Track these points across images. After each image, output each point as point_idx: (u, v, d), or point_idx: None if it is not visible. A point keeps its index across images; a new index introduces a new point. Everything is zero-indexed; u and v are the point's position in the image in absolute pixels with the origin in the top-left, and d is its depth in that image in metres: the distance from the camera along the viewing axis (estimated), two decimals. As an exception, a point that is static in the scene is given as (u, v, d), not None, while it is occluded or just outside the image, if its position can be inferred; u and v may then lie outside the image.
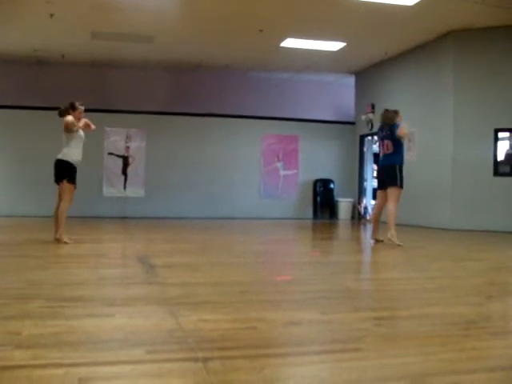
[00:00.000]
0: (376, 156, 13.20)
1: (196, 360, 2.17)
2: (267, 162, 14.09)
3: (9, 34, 10.87)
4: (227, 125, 13.79)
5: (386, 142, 7.46)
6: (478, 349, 2.47)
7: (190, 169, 13.47)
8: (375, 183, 9.65)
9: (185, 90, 13.97)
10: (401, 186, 7.34)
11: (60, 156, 6.60)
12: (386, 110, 7.65)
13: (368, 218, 13.15)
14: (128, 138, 13.26)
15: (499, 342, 2.62)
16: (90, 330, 2.63)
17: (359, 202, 14.01)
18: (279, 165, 14.18)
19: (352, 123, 14.44)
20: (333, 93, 15.14)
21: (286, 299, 3.62)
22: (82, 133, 6.75)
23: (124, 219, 12.38)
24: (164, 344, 2.42)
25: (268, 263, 5.82)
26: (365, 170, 14.10)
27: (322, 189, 14.19)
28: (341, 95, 15.10)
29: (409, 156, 7.61)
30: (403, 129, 7.34)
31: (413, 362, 2.25)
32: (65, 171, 6.57)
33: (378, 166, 8.35)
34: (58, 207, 6.66)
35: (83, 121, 6.77)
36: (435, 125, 11.06)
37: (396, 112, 7.50)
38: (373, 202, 12.78)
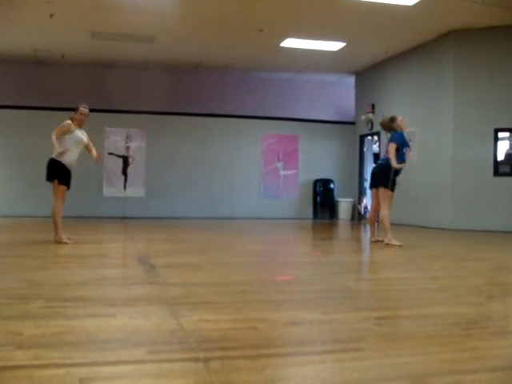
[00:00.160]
0: (376, 156, 13.22)
1: (197, 360, 2.17)
2: (267, 161, 14.09)
3: (9, 34, 10.87)
4: (227, 125, 13.79)
5: (388, 145, 7.46)
6: (479, 349, 2.47)
7: (190, 169, 13.47)
8: None
9: (185, 90, 13.97)
10: (391, 189, 7.30)
11: (53, 155, 6.58)
12: (383, 116, 7.66)
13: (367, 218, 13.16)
14: (128, 138, 13.26)
15: (500, 342, 2.62)
16: (90, 330, 2.63)
17: (359, 201, 14.01)
18: (279, 165, 14.18)
19: (352, 123, 14.44)
20: (333, 93, 15.14)
21: (287, 299, 3.62)
22: (80, 136, 6.68)
23: (124, 219, 12.38)
24: (165, 344, 2.42)
25: (268, 263, 5.82)
26: (365, 169, 14.09)
27: (322, 189, 14.19)
28: (341, 95, 15.11)
29: (409, 156, 7.55)
30: (394, 162, 7.08)
31: (414, 361, 2.25)
32: (55, 171, 6.53)
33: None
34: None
35: (94, 152, 6.82)
36: (435, 125, 11.06)
37: (392, 119, 7.41)
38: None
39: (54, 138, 6.48)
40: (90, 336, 2.51)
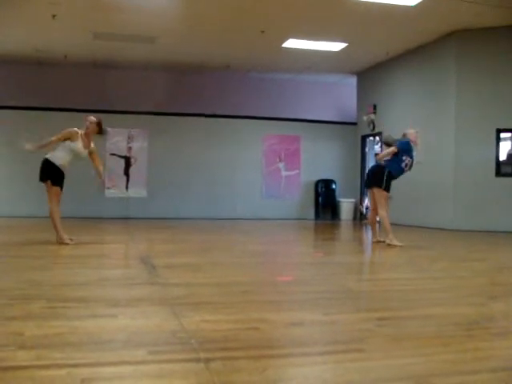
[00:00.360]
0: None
1: (198, 361, 2.17)
2: (269, 162, 14.09)
3: (11, 34, 10.89)
4: (229, 125, 13.79)
5: None
6: (481, 349, 2.47)
7: (191, 169, 13.47)
8: None
9: (187, 91, 13.98)
10: (385, 190, 7.30)
11: (47, 156, 6.57)
12: (388, 136, 7.86)
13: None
14: (130, 138, 13.27)
15: (502, 343, 2.62)
16: (92, 330, 2.63)
17: (361, 202, 14.00)
18: (281, 165, 14.18)
19: (354, 124, 14.43)
20: (334, 93, 15.14)
21: (288, 300, 3.62)
22: (79, 149, 6.59)
23: (126, 220, 12.38)
24: (166, 345, 2.42)
25: (270, 264, 5.81)
26: (366, 170, 14.07)
27: (323, 189, 14.19)
28: (342, 96, 15.11)
29: (406, 168, 7.51)
30: (380, 155, 7.69)
31: (416, 362, 2.25)
32: (48, 172, 6.50)
33: None
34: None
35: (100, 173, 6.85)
36: (437, 125, 11.04)
37: (404, 135, 7.46)
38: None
39: (54, 138, 6.48)
40: (92, 336, 2.51)
